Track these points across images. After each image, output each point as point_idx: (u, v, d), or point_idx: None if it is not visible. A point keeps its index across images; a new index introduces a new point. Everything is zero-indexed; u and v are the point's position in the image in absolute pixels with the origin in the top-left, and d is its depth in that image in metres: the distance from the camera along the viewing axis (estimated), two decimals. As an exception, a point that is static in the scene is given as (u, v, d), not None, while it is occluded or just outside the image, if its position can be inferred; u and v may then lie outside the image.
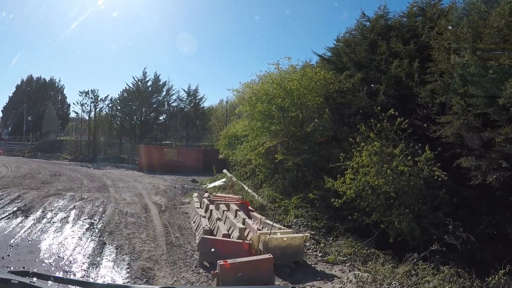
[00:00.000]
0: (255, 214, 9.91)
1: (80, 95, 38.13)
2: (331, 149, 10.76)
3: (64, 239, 8.14)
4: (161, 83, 43.38)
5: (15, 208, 10.99)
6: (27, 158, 33.14)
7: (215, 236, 7.84)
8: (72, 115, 47.76)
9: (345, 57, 12.26)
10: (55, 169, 23.80)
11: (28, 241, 7.92)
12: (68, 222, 9.71)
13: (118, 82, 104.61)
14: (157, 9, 61.72)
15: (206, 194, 12.43)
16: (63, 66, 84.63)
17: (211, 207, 10.09)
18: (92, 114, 38.90)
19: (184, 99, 44.40)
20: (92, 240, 8.18)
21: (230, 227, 8.29)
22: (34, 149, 39.53)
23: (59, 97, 56.20)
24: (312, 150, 11.37)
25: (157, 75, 43.26)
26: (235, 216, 9.24)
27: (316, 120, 11.83)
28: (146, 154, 28.20)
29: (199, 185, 19.14)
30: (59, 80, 56.91)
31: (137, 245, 7.94)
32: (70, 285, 2.54)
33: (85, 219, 10.12)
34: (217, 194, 13.05)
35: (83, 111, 38.69)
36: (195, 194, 12.60)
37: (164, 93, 43.87)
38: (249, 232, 7.93)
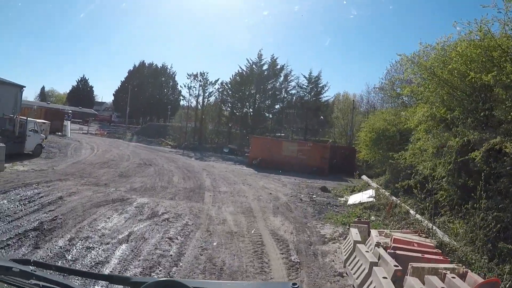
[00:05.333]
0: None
1: (188, 78, 35.02)
2: None
3: None
4: (278, 67, 37.65)
5: (35, 224, 6.29)
6: (127, 141, 30.46)
7: None
8: (182, 101, 45.46)
9: None
10: (148, 156, 19.82)
11: None
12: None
13: (230, 68, 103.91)
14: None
15: (374, 235, 5.87)
16: (174, 52, 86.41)
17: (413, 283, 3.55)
18: (200, 99, 35.44)
19: (304, 86, 38.04)
20: None
21: None
22: (137, 132, 37.81)
23: (170, 83, 55.15)
24: None
25: (274, 58, 37.69)
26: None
27: None
28: (259, 147, 23.11)
29: (333, 197, 12.67)
30: (171, 67, 55.99)
31: None
32: (72, 275, 2.19)
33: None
34: (397, 235, 6.29)
35: (190, 95, 35.50)
36: (354, 232, 6.14)
37: (282, 78, 38.04)
38: None
